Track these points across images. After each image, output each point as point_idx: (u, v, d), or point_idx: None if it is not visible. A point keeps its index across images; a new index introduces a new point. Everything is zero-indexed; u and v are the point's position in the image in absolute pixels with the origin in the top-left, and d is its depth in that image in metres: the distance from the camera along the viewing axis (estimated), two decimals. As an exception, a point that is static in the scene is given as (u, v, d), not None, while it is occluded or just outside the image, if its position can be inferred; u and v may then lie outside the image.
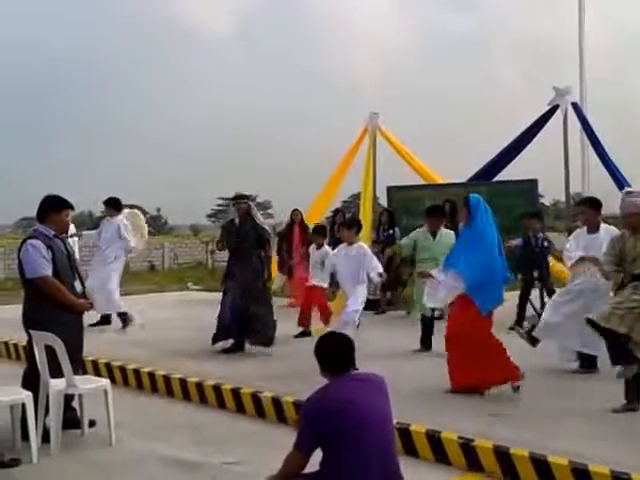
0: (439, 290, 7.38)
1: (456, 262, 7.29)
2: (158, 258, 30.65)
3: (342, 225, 9.55)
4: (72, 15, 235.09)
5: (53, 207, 6.52)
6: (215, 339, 9.53)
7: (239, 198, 9.80)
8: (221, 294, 9.87)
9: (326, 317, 10.72)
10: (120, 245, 11.81)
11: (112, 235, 11.79)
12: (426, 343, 9.44)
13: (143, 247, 13.22)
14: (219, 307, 9.64)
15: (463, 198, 7.55)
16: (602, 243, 7.65)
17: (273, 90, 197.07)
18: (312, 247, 11.46)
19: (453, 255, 7.45)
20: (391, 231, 13.49)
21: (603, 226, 7.98)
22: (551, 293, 10.90)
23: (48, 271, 6.24)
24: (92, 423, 6.57)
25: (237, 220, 9.79)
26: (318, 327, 10.28)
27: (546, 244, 11.22)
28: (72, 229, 11.80)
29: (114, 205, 11.99)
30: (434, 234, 9.61)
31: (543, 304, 11.51)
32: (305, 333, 10.59)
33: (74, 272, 6.61)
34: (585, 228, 8.11)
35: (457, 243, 7.68)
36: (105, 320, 11.74)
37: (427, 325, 9.50)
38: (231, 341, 9.56)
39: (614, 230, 7.87)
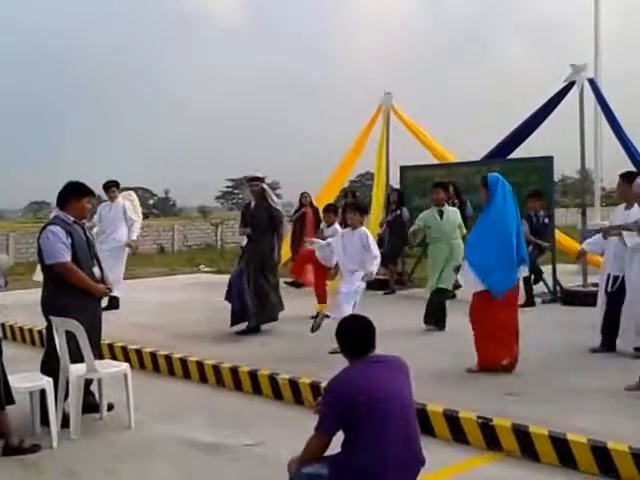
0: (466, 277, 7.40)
1: (470, 251, 7.39)
2: (167, 240, 30.71)
3: (348, 206, 9.45)
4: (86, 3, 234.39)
5: (74, 193, 6.53)
6: (233, 321, 9.55)
7: (252, 180, 9.81)
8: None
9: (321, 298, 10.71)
10: (126, 226, 11.91)
11: (118, 217, 11.88)
12: (439, 321, 9.48)
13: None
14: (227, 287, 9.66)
15: (482, 177, 7.46)
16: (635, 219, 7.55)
17: (278, 70, 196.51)
18: (322, 225, 11.34)
19: (470, 242, 7.53)
20: (399, 211, 13.42)
21: None
22: (538, 272, 11.22)
23: (67, 257, 6.27)
24: (110, 407, 6.62)
25: (252, 202, 9.81)
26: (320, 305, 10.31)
27: (546, 221, 11.42)
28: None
29: (117, 186, 12.11)
30: (441, 214, 9.71)
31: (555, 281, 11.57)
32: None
33: (93, 258, 6.63)
34: (623, 204, 7.94)
35: (476, 225, 7.56)
36: (114, 303, 11.66)
37: (436, 303, 9.52)
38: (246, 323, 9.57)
39: None
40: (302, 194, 14.33)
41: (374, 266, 8.37)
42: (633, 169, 11.82)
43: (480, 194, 7.46)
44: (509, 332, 7.16)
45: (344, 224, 11.67)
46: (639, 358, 7.50)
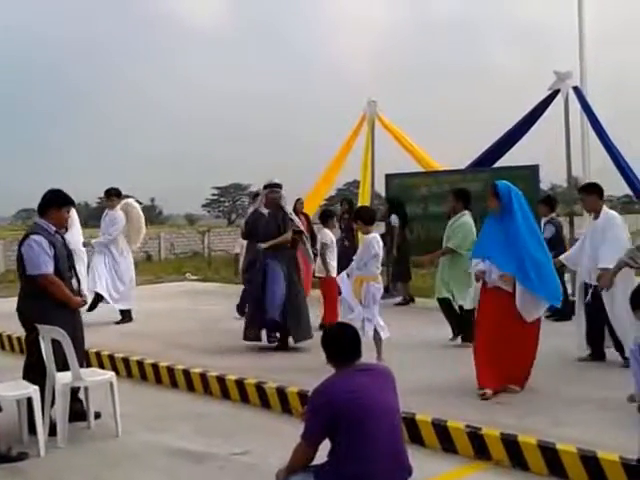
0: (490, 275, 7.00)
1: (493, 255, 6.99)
2: (154, 248, 30.59)
3: (349, 214, 9.14)
4: (65, 4, 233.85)
5: (55, 202, 6.49)
6: (247, 335, 9.17)
7: (273, 186, 9.25)
8: (242, 285, 9.66)
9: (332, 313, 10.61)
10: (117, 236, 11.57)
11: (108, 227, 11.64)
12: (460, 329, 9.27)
13: (140, 242, 12.63)
14: (244, 299, 9.44)
15: (490, 185, 7.17)
16: (602, 229, 7.67)
17: (266, 77, 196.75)
18: (324, 231, 11.09)
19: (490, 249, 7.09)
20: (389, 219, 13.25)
21: (604, 211, 7.90)
22: None
23: (50, 268, 6.24)
24: (97, 415, 6.58)
25: (263, 210, 9.28)
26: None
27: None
28: (80, 239, 11.56)
29: (117, 195, 11.77)
30: (449, 218, 9.55)
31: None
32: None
33: (72, 269, 6.61)
34: (592, 215, 8.04)
35: (492, 236, 7.14)
36: (127, 316, 11.52)
37: (451, 311, 9.40)
38: (264, 337, 9.20)
39: (614, 216, 7.88)
40: (297, 200, 14.23)
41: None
42: (620, 176, 11.94)
43: (489, 203, 7.11)
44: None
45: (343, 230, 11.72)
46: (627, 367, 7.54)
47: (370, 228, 8.16)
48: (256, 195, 10.30)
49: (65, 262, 6.45)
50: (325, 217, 11.05)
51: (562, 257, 8.44)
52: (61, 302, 6.30)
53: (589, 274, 7.88)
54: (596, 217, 7.91)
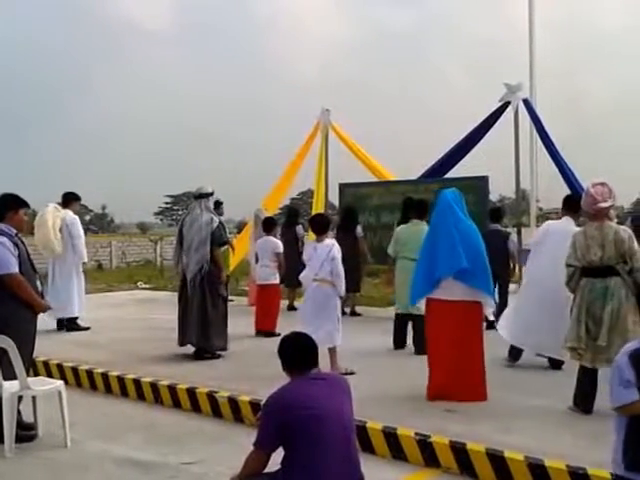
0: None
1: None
2: (105, 257, 30.26)
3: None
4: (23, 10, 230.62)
5: (12, 206, 6.44)
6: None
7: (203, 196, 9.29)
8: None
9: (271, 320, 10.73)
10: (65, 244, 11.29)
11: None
12: (402, 341, 9.54)
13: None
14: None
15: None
16: None
17: (220, 84, 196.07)
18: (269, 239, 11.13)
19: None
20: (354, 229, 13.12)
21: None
22: None
23: (17, 268, 6.21)
24: (31, 427, 6.44)
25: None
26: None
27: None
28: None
29: (63, 200, 11.55)
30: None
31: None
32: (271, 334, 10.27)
33: (35, 272, 6.56)
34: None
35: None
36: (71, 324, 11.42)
37: (403, 324, 9.55)
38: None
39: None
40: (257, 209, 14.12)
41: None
42: (567, 189, 12.17)
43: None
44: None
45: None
46: (557, 369, 8.08)
47: (323, 237, 8.17)
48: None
49: (28, 264, 6.41)
50: (268, 225, 11.14)
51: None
52: (24, 304, 6.25)
53: None
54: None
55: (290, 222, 13.76)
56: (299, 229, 13.59)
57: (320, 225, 8.25)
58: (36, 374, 8.09)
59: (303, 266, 8.25)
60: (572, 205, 7.98)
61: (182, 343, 9.17)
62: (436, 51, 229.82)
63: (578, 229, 7.20)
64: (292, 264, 11.31)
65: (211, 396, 7.15)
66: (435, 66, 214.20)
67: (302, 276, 8.19)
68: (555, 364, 8.15)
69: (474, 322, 7.01)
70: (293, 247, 12.84)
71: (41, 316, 6.63)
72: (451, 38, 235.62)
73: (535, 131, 12.95)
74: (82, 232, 11.59)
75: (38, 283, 6.54)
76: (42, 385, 6.38)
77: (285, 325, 8.28)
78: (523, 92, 12.92)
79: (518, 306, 8.41)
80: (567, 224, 7.88)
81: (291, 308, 13.21)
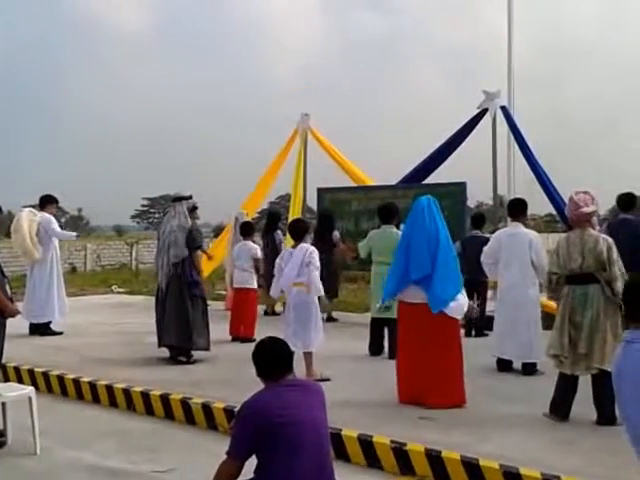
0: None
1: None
2: (80, 260, 29.97)
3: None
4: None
5: None
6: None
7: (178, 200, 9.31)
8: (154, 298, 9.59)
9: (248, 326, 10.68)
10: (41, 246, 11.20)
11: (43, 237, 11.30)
12: (378, 347, 9.49)
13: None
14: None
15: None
16: None
17: (196, 87, 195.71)
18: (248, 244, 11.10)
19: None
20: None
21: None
22: None
23: None
24: (0, 434, 6.32)
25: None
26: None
27: None
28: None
29: (39, 203, 11.43)
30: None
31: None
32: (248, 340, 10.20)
33: (4, 276, 6.47)
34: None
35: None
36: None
37: (379, 329, 9.49)
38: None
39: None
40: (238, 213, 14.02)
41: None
42: (544, 196, 12.23)
43: None
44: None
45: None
46: (531, 374, 8.20)
47: (301, 242, 8.11)
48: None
49: None
50: (246, 229, 11.09)
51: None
52: None
53: None
54: None
55: (270, 226, 13.67)
56: (278, 234, 13.50)
57: (299, 230, 8.21)
58: (6, 380, 7.96)
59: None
60: (518, 209, 8.55)
61: (161, 345, 9.12)
62: (415, 58, 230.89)
63: (528, 231, 8.26)
64: (272, 268, 11.22)
65: (185, 403, 7.06)
66: (414, 73, 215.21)
67: (274, 287, 8.28)
68: (528, 370, 8.23)
69: (447, 324, 6.92)
70: (274, 251, 12.75)
71: (17, 320, 6.53)
72: (431, 45, 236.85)
73: (512, 137, 12.98)
74: (58, 227, 11.56)
75: (7, 288, 6.43)
76: (12, 391, 6.29)
77: (262, 331, 8.19)
78: (501, 99, 12.98)
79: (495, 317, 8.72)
80: (516, 227, 8.40)
81: (271, 313, 13.15)
